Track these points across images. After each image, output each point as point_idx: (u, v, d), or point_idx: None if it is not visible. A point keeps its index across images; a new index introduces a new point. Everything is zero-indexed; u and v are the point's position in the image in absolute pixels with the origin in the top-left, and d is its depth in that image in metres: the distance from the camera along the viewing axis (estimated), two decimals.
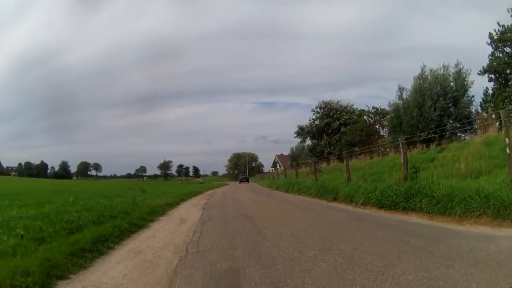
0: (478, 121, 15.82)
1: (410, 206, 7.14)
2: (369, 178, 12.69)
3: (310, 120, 35.37)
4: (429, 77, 19.99)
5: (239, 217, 8.37)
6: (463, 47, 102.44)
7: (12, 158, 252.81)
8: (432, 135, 16.50)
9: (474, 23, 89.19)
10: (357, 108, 34.10)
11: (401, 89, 21.46)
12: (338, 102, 34.24)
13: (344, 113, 32.42)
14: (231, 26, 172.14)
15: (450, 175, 8.38)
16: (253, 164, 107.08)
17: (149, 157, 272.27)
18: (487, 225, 5.19)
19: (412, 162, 9.70)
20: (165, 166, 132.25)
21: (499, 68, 20.72)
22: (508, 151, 6.10)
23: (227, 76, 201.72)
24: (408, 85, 21.19)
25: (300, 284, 3.08)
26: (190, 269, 3.82)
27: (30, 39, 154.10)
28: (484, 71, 21.39)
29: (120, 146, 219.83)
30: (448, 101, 18.89)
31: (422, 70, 20.42)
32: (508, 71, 20.69)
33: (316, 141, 34.58)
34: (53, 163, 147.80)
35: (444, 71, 19.82)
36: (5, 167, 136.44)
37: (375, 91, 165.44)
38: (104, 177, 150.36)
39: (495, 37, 21.18)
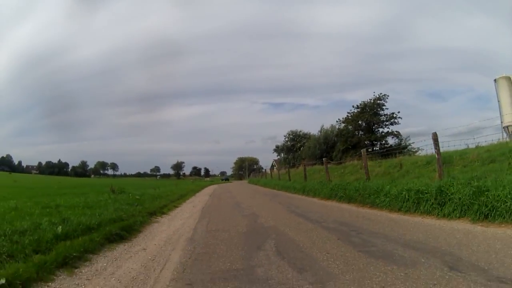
0: None
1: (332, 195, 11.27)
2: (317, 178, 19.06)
3: (283, 141, 53.12)
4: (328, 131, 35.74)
5: (225, 194, 19.09)
6: (468, 50, 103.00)
7: (32, 157, 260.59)
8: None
9: (480, 26, 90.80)
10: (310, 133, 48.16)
11: (321, 129, 37.65)
12: (301, 131, 51.26)
13: (303, 138, 47.03)
14: (240, 26, 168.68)
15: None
16: (255, 167, 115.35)
17: (158, 156, 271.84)
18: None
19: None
20: (178, 166, 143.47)
21: None
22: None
23: (236, 76, 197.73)
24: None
25: (252, 205, 13.31)
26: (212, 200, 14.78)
27: (36, 36, 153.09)
28: None
29: (129, 145, 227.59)
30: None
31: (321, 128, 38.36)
32: None
33: (286, 155, 49.88)
34: (56, 160, 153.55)
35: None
36: (24, 166, 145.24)
37: (383, 92, 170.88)
38: (114, 175, 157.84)
39: None
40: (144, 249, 5.08)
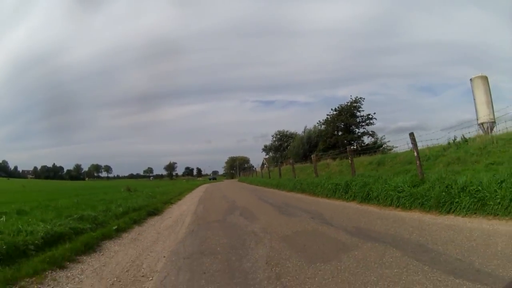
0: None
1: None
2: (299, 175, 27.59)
3: (271, 141, 57.11)
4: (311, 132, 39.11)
5: (216, 190, 23.39)
6: (460, 44, 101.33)
7: (25, 161, 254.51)
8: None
9: (472, 20, 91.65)
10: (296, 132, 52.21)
11: (305, 130, 41.82)
12: (288, 131, 55.27)
13: (290, 138, 50.87)
14: (229, 24, 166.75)
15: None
16: (245, 165, 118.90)
17: (150, 157, 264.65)
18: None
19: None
20: (170, 167, 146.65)
21: None
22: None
23: (226, 74, 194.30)
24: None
25: (234, 196, 17.91)
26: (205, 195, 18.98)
27: (30, 38, 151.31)
28: None
29: (119, 146, 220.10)
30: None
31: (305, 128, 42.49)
32: None
33: (274, 154, 53.45)
34: (50, 164, 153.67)
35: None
36: (20, 171, 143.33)
37: (375, 87, 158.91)
38: (108, 178, 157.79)
39: None
40: (170, 217, 9.32)
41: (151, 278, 3.85)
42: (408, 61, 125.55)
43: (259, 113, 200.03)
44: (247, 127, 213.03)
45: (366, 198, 8.55)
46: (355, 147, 22.94)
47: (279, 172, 23.08)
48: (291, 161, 20.13)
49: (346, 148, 14.55)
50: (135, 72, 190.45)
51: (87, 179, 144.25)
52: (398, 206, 7.05)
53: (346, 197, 9.67)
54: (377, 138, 34.85)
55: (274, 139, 57.09)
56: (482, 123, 20.89)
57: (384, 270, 3.25)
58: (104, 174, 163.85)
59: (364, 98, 36.46)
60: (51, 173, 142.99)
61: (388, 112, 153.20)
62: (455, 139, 13.33)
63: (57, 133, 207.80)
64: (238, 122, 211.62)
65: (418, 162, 7.97)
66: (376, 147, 27.85)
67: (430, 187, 6.52)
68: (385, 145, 30.07)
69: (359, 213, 7.19)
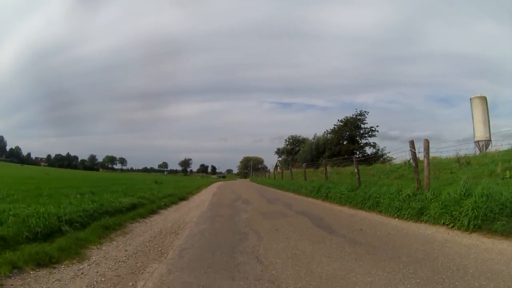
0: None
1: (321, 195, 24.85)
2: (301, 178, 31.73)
3: (284, 145, 61.31)
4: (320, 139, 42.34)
5: (228, 187, 27.63)
6: (477, 57, 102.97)
7: (37, 149, 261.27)
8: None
9: (489, 32, 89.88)
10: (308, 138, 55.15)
11: (315, 137, 44.39)
12: (300, 136, 58.85)
13: (301, 143, 54.07)
14: (250, 24, 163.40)
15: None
16: (259, 166, 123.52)
17: (165, 152, 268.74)
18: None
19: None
20: (185, 163, 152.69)
21: None
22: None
23: (245, 74, 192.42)
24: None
25: (241, 192, 22.12)
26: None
27: (43, 30, 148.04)
28: None
29: (136, 140, 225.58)
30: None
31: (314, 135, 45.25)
32: None
33: (286, 157, 56.61)
34: (63, 153, 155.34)
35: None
36: (33, 158, 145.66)
37: (392, 96, 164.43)
38: (122, 170, 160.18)
39: None
40: (194, 202, 13.61)
41: (190, 223, 7.97)
42: (426, 71, 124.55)
43: (277, 114, 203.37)
44: (263, 128, 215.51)
45: (327, 197, 12.48)
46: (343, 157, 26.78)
47: (281, 175, 27.20)
48: (303, 165, 23.56)
49: (347, 157, 18.20)
50: (152, 68, 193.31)
51: (101, 170, 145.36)
52: (340, 203, 10.90)
53: (317, 196, 13.57)
54: (378, 149, 38.02)
55: (287, 143, 61.25)
56: (478, 141, 22.27)
57: (299, 225, 7.26)
58: (118, 166, 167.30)
59: (368, 112, 39.73)
60: (65, 161, 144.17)
61: (404, 121, 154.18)
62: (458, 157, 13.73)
63: (71, 123, 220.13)
64: (255, 122, 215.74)
65: (418, 173, 11.84)
66: (378, 157, 30.17)
67: (360, 192, 10.41)
68: (386, 155, 32.58)
69: (313, 205, 11.24)
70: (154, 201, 11.49)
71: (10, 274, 3.53)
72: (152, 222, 8.05)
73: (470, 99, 24.54)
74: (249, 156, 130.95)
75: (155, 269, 4.12)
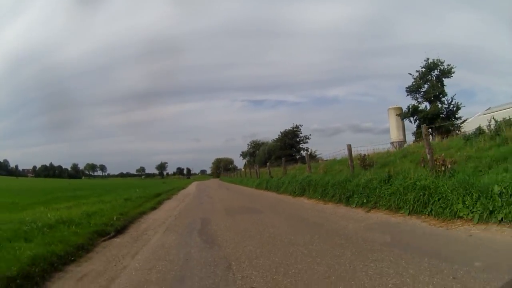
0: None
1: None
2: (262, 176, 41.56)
3: (247, 148, 73.36)
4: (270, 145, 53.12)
5: (202, 184, 37.20)
6: (454, 46, 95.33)
7: (18, 159, 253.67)
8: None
9: (464, 22, 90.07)
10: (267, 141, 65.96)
11: (267, 143, 56.90)
12: (260, 140, 70.60)
13: (261, 146, 64.80)
14: (220, 24, 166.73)
15: None
16: (230, 166, 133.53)
17: (140, 156, 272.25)
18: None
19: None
20: (161, 167, 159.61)
21: None
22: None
23: (217, 74, 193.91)
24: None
25: (211, 187, 31.68)
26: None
27: (27, 33, 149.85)
28: None
29: (110, 145, 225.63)
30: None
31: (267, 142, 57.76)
32: None
33: (249, 158, 67.01)
34: (43, 162, 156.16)
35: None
36: (21, 169, 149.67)
37: (365, 88, 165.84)
38: (103, 176, 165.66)
39: None
40: (186, 192, 23.38)
41: (191, 194, 17.57)
42: (400, 62, 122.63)
43: (248, 112, 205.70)
44: (236, 127, 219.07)
45: (267, 187, 22.16)
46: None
47: (244, 173, 37.08)
48: (255, 166, 33.34)
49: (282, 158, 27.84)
50: (126, 70, 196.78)
51: (83, 177, 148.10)
52: (271, 190, 20.80)
53: (260, 187, 23.27)
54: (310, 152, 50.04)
55: (249, 146, 73.19)
56: (393, 142, 27.29)
57: (237, 197, 17.17)
58: (98, 173, 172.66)
59: (302, 125, 53.44)
60: (51, 171, 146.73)
61: (377, 114, 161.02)
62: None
63: (49, 130, 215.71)
64: (227, 121, 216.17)
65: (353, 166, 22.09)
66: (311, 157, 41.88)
67: (274, 182, 20.40)
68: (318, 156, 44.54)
69: (254, 191, 21.24)
70: (160, 194, 20.97)
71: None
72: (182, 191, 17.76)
73: (388, 109, 31.09)
74: (220, 157, 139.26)
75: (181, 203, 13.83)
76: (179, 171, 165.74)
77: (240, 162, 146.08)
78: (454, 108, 25.07)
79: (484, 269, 3.23)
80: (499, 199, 4.88)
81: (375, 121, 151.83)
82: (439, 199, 5.91)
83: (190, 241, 5.86)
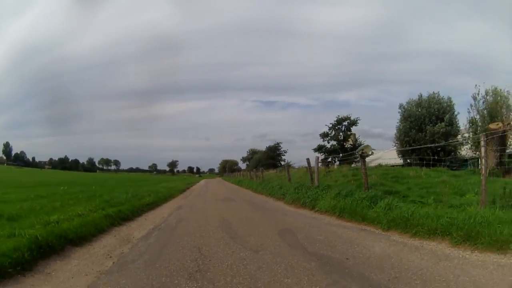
0: None
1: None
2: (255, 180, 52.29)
3: (247, 154, 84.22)
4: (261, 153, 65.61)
5: (208, 183, 48.16)
6: (463, 54, 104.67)
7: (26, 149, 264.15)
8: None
9: (476, 30, 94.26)
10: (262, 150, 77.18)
11: (258, 152, 68.93)
12: (257, 149, 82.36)
13: (256, 153, 76.14)
14: (233, 23, 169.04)
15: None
16: (235, 167, 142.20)
17: (152, 152, 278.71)
18: None
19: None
20: (172, 164, 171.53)
21: None
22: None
23: (228, 73, 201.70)
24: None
25: (214, 186, 42.45)
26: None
27: (36, 26, 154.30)
28: None
29: (123, 139, 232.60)
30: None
31: (258, 151, 71.83)
32: None
33: (248, 163, 78.30)
34: (51, 155, 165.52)
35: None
36: (38, 161, 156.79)
37: (376, 93, 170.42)
38: (116, 171, 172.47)
39: None
40: (200, 185, 34.69)
41: (195, 188, 28.45)
42: (411, 68, 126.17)
43: (259, 113, 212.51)
44: (245, 127, 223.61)
45: (271, 193, 32.36)
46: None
47: (241, 175, 48.22)
48: (249, 172, 44.65)
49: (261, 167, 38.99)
50: (137, 66, 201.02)
51: (97, 171, 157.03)
52: (257, 192, 31.58)
53: (248, 188, 34.25)
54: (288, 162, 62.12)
55: (248, 153, 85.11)
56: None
57: (238, 203, 28.09)
58: (111, 167, 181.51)
59: (282, 142, 68.00)
60: (67, 164, 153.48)
61: (386, 119, 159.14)
62: None
63: (59, 123, 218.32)
64: (237, 121, 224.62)
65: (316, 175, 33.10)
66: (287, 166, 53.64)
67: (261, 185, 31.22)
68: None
69: (255, 196, 32.18)
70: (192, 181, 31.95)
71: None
72: (194, 186, 28.88)
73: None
74: (227, 159, 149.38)
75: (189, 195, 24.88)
76: (190, 169, 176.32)
77: (243, 164, 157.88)
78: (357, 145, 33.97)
79: None
80: None
81: (385, 126, 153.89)
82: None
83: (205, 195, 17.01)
